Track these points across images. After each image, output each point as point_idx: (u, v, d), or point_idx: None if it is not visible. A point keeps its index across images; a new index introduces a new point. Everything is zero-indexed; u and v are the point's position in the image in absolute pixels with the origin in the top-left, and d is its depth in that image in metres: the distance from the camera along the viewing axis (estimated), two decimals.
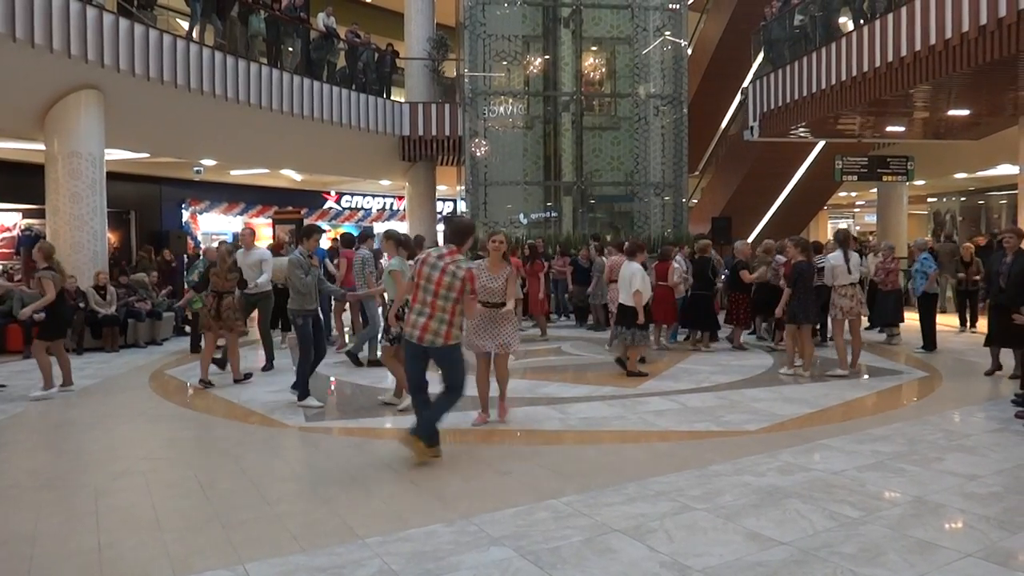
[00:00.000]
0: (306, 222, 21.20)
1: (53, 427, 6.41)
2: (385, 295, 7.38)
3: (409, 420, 6.38)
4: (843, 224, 33.72)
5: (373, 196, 25.67)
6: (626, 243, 9.27)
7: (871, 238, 14.69)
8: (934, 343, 10.01)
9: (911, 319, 10.82)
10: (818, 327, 9.63)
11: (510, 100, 17.08)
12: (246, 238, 9.27)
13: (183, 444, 5.93)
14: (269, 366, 8.93)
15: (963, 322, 12.02)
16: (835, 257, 8.39)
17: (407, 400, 6.64)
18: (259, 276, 8.84)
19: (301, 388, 7.03)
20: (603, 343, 10.56)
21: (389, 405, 6.95)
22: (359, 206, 25.48)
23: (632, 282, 8.11)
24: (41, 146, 11.62)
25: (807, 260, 8.27)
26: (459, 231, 5.38)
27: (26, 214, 16.78)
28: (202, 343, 8.52)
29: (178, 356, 10.27)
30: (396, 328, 6.57)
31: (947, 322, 12.24)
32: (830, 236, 29.17)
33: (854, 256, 8.54)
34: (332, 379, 8.39)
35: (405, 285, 6.04)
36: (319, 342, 7.16)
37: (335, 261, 10.94)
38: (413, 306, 5.18)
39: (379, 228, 26.58)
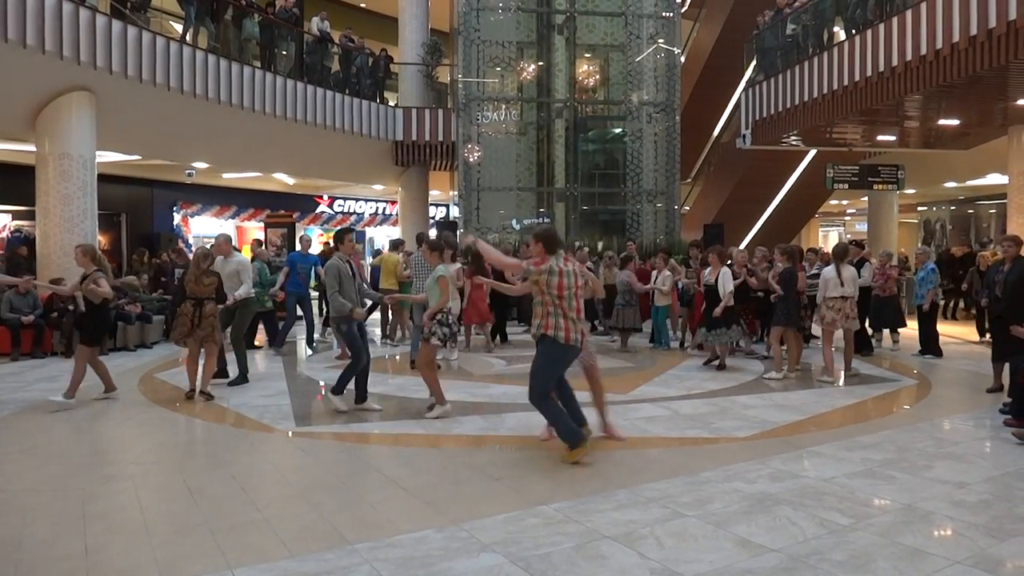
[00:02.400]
0: (299, 226, 21.16)
1: (40, 430, 6.35)
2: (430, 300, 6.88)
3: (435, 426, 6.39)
4: (834, 232, 33.94)
5: (366, 200, 25.67)
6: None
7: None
8: (939, 349, 10.10)
9: (911, 326, 10.88)
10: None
11: (504, 106, 17.11)
12: (221, 246, 8.49)
13: (172, 448, 5.89)
14: (241, 379, 8.22)
15: (983, 332, 11.47)
16: (828, 270, 8.52)
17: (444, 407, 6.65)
18: (239, 287, 8.20)
19: (339, 384, 6.87)
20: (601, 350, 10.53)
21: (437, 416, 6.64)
22: (351, 210, 25.48)
23: (725, 285, 8.93)
24: (32, 147, 11.57)
25: (793, 266, 8.63)
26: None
27: (16, 216, 16.72)
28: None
29: (167, 360, 10.21)
30: (444, 331, 6.57)
31: (951, 332, 12.34)
32: (820, 244, 29.42)
33: (849, 270, 8.56)
34: (322, 384, 8.36)
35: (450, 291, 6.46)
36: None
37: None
38: (572, 315, 5.27)
39: (371, 233, 26.62)
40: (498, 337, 11.51)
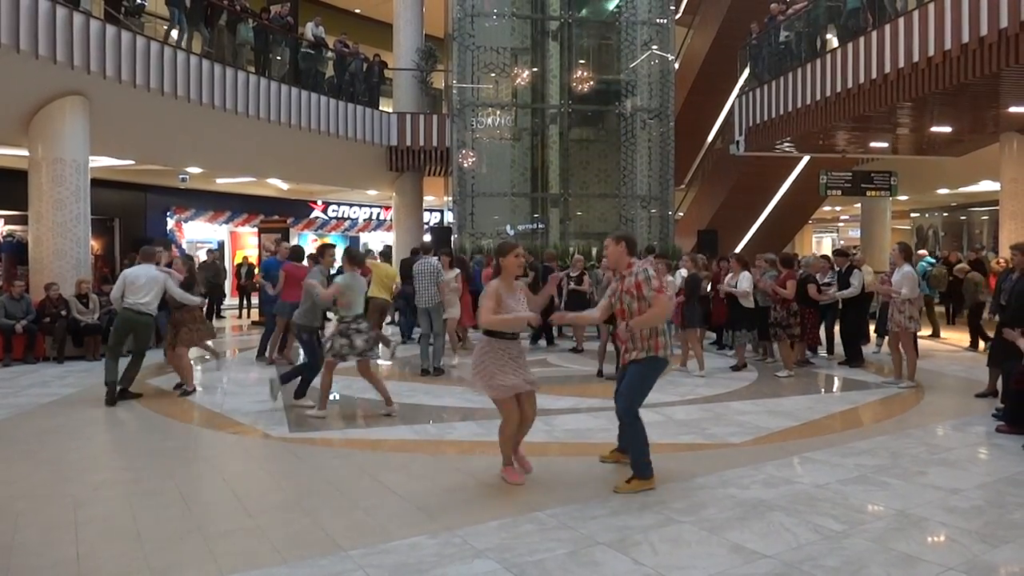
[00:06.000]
0: (292, 231, 21.13)
1: (32, 436, 6.32)
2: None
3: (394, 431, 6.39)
4: (828, 239, 34.05)
5: (360, 206, 25.61)
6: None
7: (854, 251, 14.79)
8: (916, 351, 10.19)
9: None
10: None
11: (498, 112, 17.11)
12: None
13: (164, 454, 5.85)
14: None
15: (975, 343, 11.28)
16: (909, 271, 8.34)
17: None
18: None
19: (286, 379, 7.35)
20: (590, 355, 10.54)
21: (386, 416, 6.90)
22: (345, 216, 25.42)
23: (741, 284, 9.40)
24: (25, 152, 11.52)
25: (696, 272, 9.64)
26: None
27: (8, 220, 16.64)
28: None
29: (160, 365, 10.16)
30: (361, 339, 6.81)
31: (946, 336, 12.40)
32: (813, 250, 29.50)
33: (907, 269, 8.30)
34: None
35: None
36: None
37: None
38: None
39: (365, 238, 26.59)
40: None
